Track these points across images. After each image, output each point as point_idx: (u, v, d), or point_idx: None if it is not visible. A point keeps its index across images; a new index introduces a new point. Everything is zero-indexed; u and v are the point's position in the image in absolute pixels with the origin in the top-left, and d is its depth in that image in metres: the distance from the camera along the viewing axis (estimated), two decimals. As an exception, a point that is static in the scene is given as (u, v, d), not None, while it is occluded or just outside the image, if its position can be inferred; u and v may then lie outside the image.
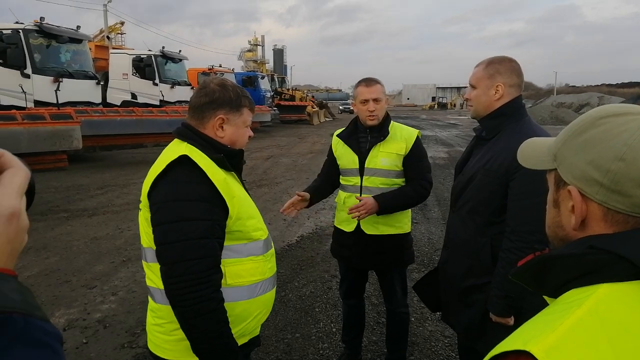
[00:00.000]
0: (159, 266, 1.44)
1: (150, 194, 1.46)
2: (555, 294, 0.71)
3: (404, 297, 2.90)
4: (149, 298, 1.63)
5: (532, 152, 0.89)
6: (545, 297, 0.77)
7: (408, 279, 3.85)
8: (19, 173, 0.50)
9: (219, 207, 1.45)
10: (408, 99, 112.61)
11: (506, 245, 1.82)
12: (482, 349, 1.84)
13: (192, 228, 1.40)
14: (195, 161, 1.44)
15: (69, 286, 4.43)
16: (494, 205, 1.87)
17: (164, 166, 1.44)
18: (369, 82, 2.63)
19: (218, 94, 1.56)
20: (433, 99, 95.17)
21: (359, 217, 2.50)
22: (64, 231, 6.18)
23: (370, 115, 2.58)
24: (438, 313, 3.69)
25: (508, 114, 1.92)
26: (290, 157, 14.10)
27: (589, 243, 0.69)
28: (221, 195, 1.45)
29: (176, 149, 1.51)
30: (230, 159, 1.57)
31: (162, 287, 1.44)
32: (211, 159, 1.49)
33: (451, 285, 2.08)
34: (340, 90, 74.39)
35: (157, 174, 1.44)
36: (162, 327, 1.54)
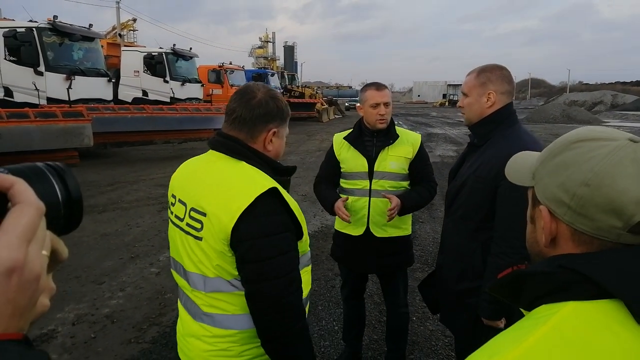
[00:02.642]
0: (239, 297, 1.41)
1: (236, 229, 1.34)
2: (529, 308, 0.74)
3: (404, 297, 2.94)
4: (202, 325, 1.50)
5: (518, 167, 0.93)
6: (522, 310, 0.80)
7: (411, 278, 3.90)
8: (27, 212, 0.41)
9: (295, 234, 1.44)
10: (419, 96, 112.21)
11: (494, 250, 1.86)
12: None
13: (287, 262, 1.38)
14: (282, 193, 1.40)
15: (78, 282, 4.53)
16: (484, 211, 1.91)
17: (248, 199, 1.33)
18: (379, 86, 2.66)
19: (272, 105, 1.47)
20: (444, 96, 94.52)
21: (393, 215, 2.53)
22: (74, 227, 6.30)
23: (380, 119, 2.60)
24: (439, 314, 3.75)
25: (499, 121, 1.96)
26: (299, 154, 14.15)
27: (559, 262, 0.72)
28: (299, 223, 1.44)
29: (246, 174, 1.42)
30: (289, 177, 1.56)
31: (237, 312, 1.43)
32: (277, 180, 1.44)
33: (446, 288, 2.13)
34: (350, 87, 74.18)
35: (242, 208, 1.33)
36: (230, 351, 1.48)
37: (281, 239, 1.37)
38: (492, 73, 1.97)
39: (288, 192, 1.53)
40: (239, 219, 1.33)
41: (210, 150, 1.53)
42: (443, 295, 2.19)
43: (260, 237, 1.34)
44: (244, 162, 1.44)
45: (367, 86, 2.71)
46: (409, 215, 2.79)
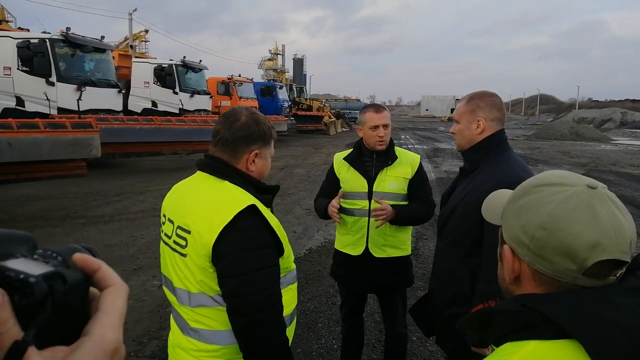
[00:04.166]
0: (222, 313, 1.45)
1: (217, 245, 1.39)
2: (497, 344, 0.78)
3: (403, 318, 2.94)
4: (189, 339, 1.55)
5: (492, 205, 0.98)
6: (492, 345, 0.83)
7: (413, 297, 3.88)
8: (120, 295, 0.43)
9: (276, 250, 1.49)
10: (427, 110, 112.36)
11: (481, 277, 1.87)
12: None
13: (267, 277, 1.43)
14: (261, 210, 1.45)
15: (81, 293, 4.56)
16: (473, 237, 1.93)
17: (228, 215, 1.39)
18: (378, 108, 2.72)
19: (253, 128, 1.54)
20: (452, 110, 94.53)
21: (382, 219, 2.56)
22: (80, 237, 6.35)
23: (379, 141, 2.64)
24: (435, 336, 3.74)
25: (489, 147, 1.99)
26: (305, 167, 14.19)
27: (523, 301, 0.75)
28: (279, 239, 1.49)
29: (228, 192, 1.48)
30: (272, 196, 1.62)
31: (220, 329, 1.48)
32: (258, 199, 1.48)
33: (438, 312, 2.14)
34: (358, 100, 74.41)
35: (223, 225, 1.38)
36: None
37: (261, 255, 1.43)
38: (482, 100, 2.01)
39: (271, 210, 1.59)
40: (219, 235, 1.38)
41: (198, 171, 1.61)
42: (436, 318, 2.19)
43: (240, 252, 1.40)
44: (227, 182, 1.51)
45: (366, 108, 2.77)
46: (408, 235, 2.81)
